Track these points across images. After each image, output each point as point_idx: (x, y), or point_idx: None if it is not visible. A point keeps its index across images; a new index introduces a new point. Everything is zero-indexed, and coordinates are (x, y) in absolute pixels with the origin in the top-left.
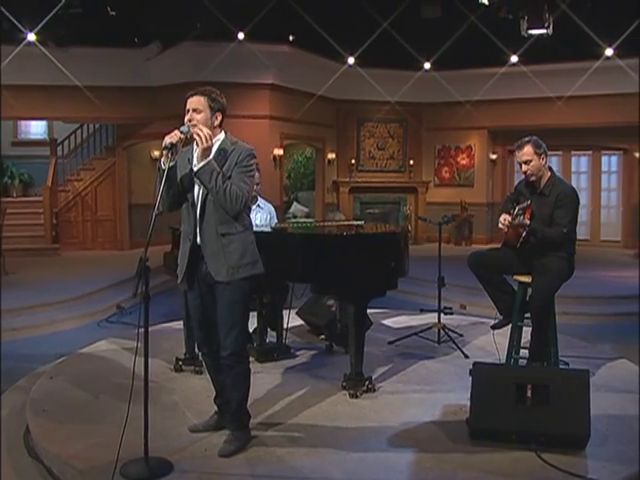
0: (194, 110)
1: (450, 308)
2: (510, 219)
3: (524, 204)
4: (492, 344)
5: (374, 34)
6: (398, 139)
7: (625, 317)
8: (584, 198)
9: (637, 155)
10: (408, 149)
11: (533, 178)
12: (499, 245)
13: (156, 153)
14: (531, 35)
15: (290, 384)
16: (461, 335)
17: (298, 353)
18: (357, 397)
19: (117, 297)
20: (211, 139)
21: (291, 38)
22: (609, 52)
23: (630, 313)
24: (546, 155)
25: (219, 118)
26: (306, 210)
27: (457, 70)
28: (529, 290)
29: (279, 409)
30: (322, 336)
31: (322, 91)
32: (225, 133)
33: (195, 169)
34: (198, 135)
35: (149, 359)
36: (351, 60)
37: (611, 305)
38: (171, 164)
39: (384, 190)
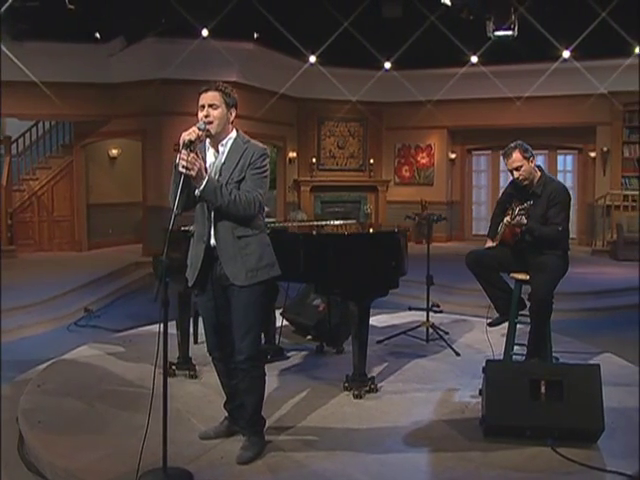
0: (210, 106)
1: (438, 306)
2: (509, 219)
3: (525, 205)
4: (478, 341)
5: (335, 33)
6: (358, 138)
7: (591, 312)
8: None
9: (592, 155)
10: (368, 148)
11: (526, 182)
12: (459, 243)
13: (114, 152)
14: (497, 36)
15: (290, 386)
16: (447, 333)
17: (289, 354)
18: (361, 398)
19: (84, 299)
20: (196, 161)
21: (256, 36)
22: (566, 54)
23: (594, 308)
24: (534, 157)
25: (233, 114)
26: (267, 209)
27: (417, 70)
28: (523, 288)
29: (286, 412)
30: (309, 336)
31: (284, 89)
32: (237, 131)
33: (197, 193)
34: (185, 168)
35: (137, 364)
36: (312, 59)
37: (576, 301)
38: None
39: (345, 189)
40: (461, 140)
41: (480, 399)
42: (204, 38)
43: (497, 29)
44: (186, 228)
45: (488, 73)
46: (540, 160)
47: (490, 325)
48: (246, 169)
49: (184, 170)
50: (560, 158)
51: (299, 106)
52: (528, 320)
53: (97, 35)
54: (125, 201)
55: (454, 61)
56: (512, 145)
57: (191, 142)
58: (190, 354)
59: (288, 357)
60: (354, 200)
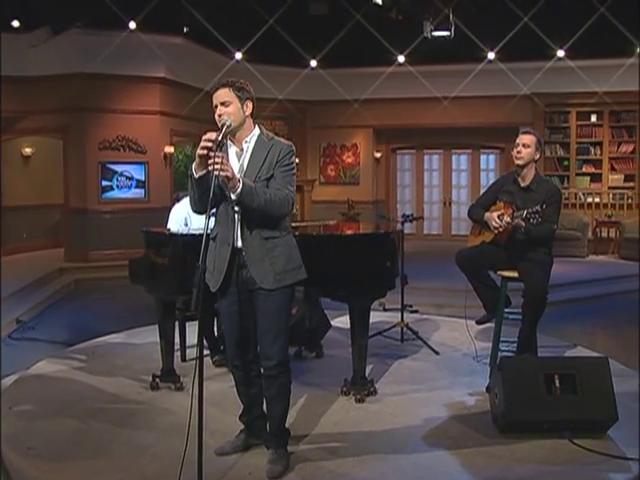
0: (222, 104)
1: (411, 306)
2: (509, 219)
3: (537, 208)
4: (450, 339)
5: (261, 30)
6: (284, 137)
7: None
8: (464, 195)
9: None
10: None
11: (521, 162)
12: None
13: (27, 150)
14: (434, 37)
15: None
16: (416, 332)
17: None
18: (363, 402)
19: (12, 310)
20: (228, 161)
21: (185, 30)
22: (491, 56)
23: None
24: (541, 154)
25: (249, 106)
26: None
27: (344, 68)
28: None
29: (294, 420)
30: None
31: (209, 86)
32: (259, 128)
33: (234, 197)
34: (219, 170)
35: (114, 378)
36: (239, 55)
37: (516, 297)
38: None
39: None
40: (386, 139)
41: (489, 396)
42: (132, 31)
43: (436, 29)
44: (158, 230)
45: (415, 73)
46: (463, 159)
47: (478, 323)
48: (274, 167)
49: (217, 172)
50: (483, 157)
51: None
52: (514, 317)
53: (15, 24)
54: (40, 203)
55: (381, 60)
56: (533, 130)
57: (221, 141)
58: (174, 366)
59: None
60: None
